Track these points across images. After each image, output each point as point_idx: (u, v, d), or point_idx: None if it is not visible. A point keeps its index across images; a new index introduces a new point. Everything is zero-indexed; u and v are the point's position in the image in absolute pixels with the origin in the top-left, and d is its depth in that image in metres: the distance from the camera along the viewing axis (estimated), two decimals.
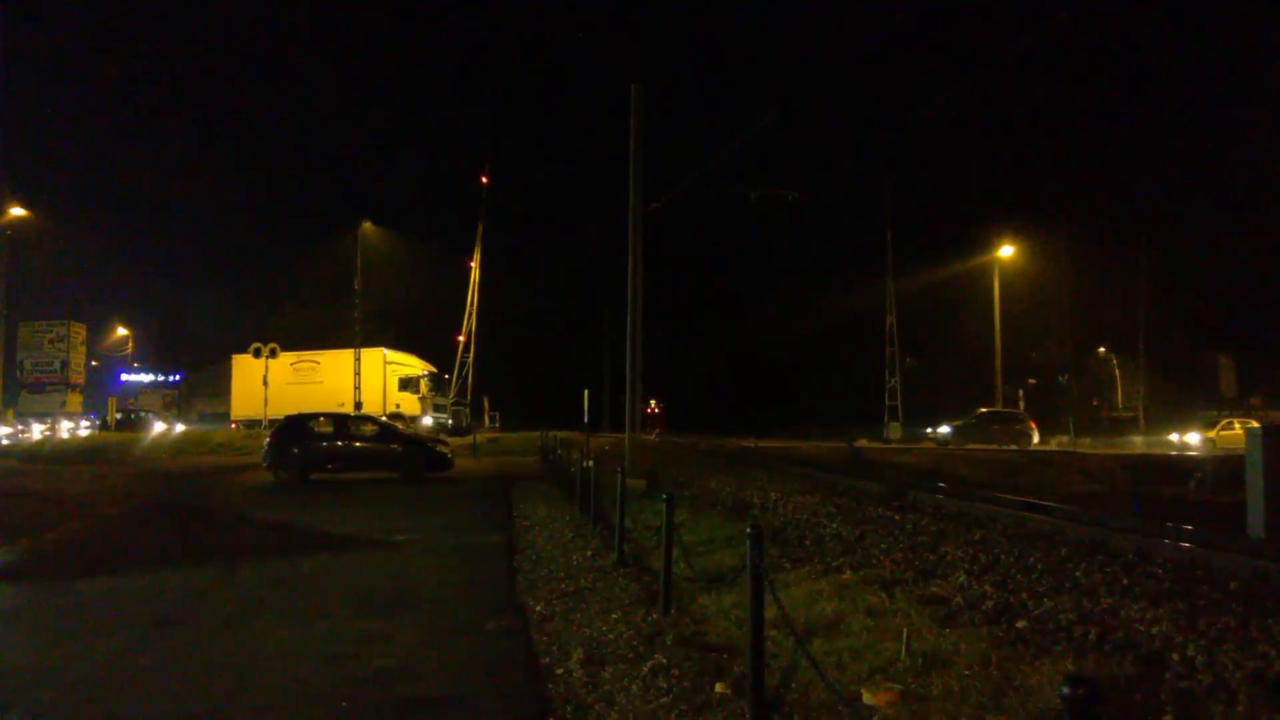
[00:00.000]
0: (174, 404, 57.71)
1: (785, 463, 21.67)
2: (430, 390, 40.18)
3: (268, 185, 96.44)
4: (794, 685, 4.47)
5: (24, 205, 41.95)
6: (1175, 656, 4.30)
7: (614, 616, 6.15)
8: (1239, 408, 42.96)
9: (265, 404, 33.47)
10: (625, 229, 17.59)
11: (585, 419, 20.90)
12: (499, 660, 5.37)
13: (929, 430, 34.15)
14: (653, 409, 39.73)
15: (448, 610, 6.64)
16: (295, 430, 18.85)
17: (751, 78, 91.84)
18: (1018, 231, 40.89)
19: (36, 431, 41.04)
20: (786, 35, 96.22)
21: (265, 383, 33.28)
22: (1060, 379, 48.20)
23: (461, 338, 41.72)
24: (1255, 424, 28.04)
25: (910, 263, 44.17)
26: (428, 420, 38.04)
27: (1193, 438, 34.54)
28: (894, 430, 38.51)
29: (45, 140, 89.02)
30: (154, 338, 66.48)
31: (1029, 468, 24.36)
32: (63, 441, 36.56)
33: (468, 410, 41.59)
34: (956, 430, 32.81)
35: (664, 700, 4.41)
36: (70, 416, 48.17)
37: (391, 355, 40.39)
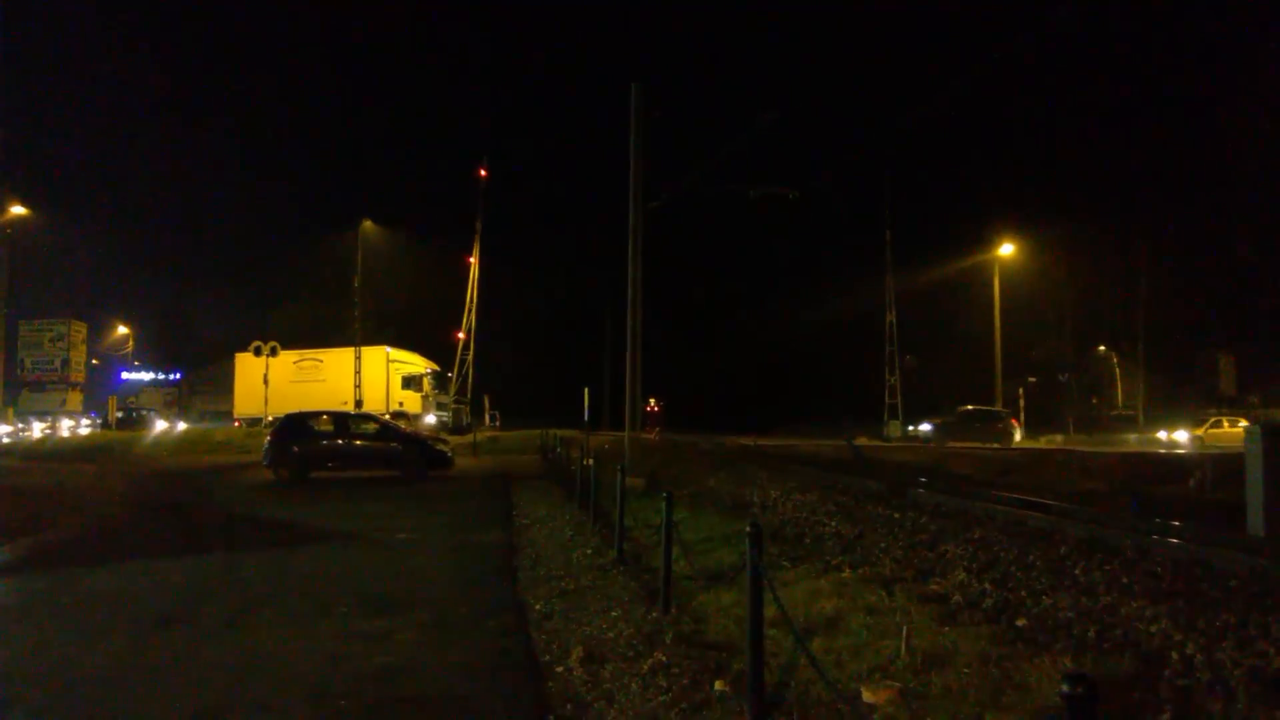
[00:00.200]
0: (175, 402, 57.82)
1: (785, 461, 21.67)
2: (433, 388, 40.14)
3: (268, 185, 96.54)
4: (793, 683, 4.47)
5: (24, 205, 42.06)
6: (1174, 654, 4.31)
7: (614, 614, 6.16)
8: (1238, 406, 42.98)
9: (266, 402, 33.55)
10: (626, 228, 17.61)
11: (585, 417, 20.92)
12: (499, 658, 5.37)
13: (909, 428, 34.23)
14: (653, 408, 39.63)
15: (448, 608, 6.64)
16: (295, 429, 18.87)
17: (752, 77, 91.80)
18: (1018, 230, 40.99)
19: (37, 430, 41.07)
20: (787, 34, 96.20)
21: (266, 381, 33.34)
22: (1061, 377, 48.22)
23: (461, 335, 41.64)
24: (1245, 421, 28.05)
25: (910, 261, 44.22)
26: (431, 419, 38.04)
27: (1181, 435, 34.63)
28: (894, 428, 38.59)
29: (45, 140, 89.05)
30: (154, 336, 66.39)
31: (1028, 466, 24.34)
32: (63, 440, 36.61)
33: (468, 408, 41.56)
34: (938, 428, 32.98)
35: (664, 698, 4.42)
36: (71, 415, 48.27)
37: (394, 353, 40.33)
